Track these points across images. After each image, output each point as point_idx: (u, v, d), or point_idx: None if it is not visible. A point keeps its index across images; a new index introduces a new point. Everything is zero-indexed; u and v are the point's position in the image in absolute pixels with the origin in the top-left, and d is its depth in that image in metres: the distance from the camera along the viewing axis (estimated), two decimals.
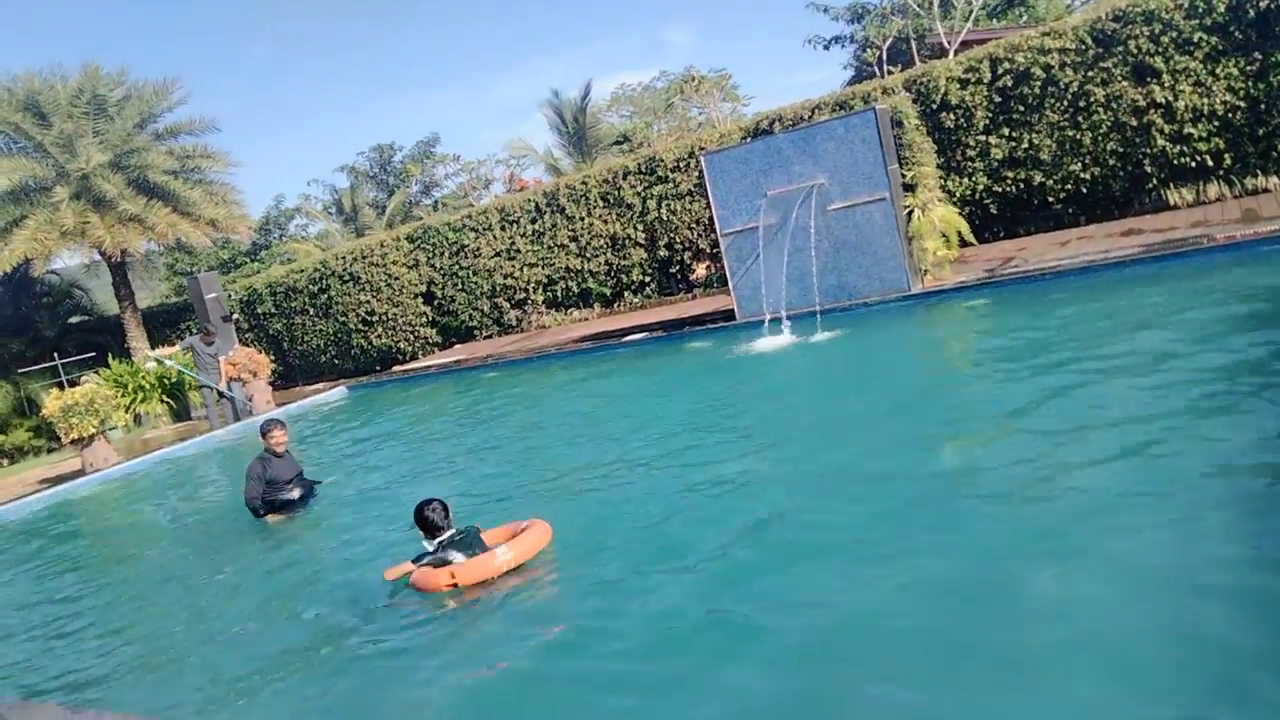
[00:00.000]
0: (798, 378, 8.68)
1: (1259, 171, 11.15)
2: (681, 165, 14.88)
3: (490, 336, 17.33)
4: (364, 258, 18.10)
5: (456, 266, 17.24)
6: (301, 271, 19.22)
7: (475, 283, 17.12)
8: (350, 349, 18.80)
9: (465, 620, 4.57)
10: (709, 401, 8.34)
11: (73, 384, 15.42)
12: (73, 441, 13.03)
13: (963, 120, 12.55)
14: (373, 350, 18.48)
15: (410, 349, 18.07)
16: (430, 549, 4.99)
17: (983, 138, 12.50)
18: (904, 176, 10.62)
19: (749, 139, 12.96)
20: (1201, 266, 8.36)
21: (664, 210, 15.11)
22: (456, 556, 4.85)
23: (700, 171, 14.41)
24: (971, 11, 19.28)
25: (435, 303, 17.78)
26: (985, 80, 12.26)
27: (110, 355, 18.56)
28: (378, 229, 28.11)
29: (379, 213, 31.63)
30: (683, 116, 28.10)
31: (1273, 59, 10.67)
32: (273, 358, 17.39)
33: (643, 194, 15.30)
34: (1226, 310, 6.89)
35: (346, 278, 18.33)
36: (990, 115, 12.40)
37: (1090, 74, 11.62)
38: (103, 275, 21.14)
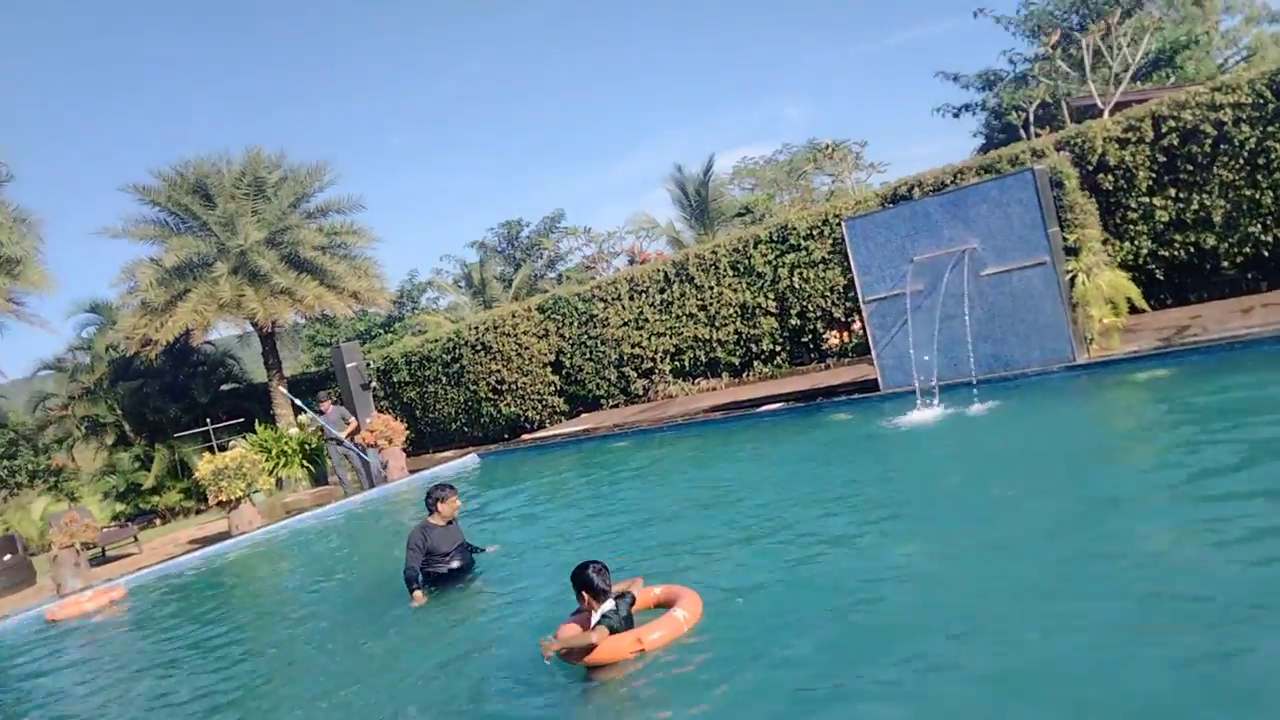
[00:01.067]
0: (958, 455, 8.06)
1: None
2: (814, 233, 14.60)
3: (617, 405, 17.25)
4: (495, 328, 18.46)
5: (585, 336, 17.34)
6: (436, 341, 19.76)
7: (603, 352, 17.15)
8: (480, 417, 19.07)
9: (623, 691, 4.28)
10: (859, 478, 7.84)
11: (222, 448, 16.13)
12: (220, 503, 13.53)
13: (1123, 181, 11.83)
14: (501, 418, 18.68)
15: (538, 417, 18.17)
16: (597, 618, 4.71)
17: (1146, 199, 11.72)
18: (1066, 240, 10.00)
19: (888, 205, 12.58)
20: None
21: (796, 278, 14.80)
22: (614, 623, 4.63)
23: (835, 239, 14.12)
24: (1126, 73, 18.47)
25: (563, 372, 17.88)
26: (1148, 139, 11.55)
27: (257, 421, 19.45)
28: (504, 301, 28.86)
29: (505, 286, 32.55)
30: (807, 187, 27.93)
31: None
32: (405, 425, 17.80)
33: (774, 262, 15.06)
34: None
35: (479, 347, 18.71)
36: (1154, 176, 11.64)
37: (1270, 129, 10.77)
38: (251, 345, 22.39)
